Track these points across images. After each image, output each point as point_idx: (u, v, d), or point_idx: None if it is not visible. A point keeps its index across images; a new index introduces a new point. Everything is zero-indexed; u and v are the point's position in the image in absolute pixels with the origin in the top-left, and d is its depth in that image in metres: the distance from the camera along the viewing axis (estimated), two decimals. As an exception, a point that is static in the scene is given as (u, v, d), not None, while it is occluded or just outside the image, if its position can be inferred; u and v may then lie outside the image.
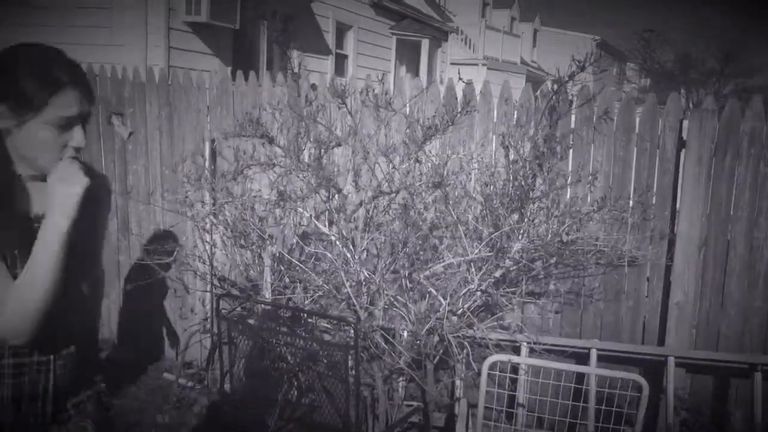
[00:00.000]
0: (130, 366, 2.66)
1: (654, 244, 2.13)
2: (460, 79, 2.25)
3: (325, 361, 1.82)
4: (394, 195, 2.00)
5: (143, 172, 2.88)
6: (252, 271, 2.19)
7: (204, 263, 2.47)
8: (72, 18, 5.19)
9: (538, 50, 19.29)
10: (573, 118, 2.28)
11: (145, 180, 2.89)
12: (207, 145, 2.62)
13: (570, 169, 2.21)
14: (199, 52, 5.70)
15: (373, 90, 2.09)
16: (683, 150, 2.16)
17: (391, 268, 1.89)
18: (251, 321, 1.94)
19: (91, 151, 2.95)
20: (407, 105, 2.33)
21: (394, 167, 1.97)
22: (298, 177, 1.95)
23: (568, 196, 2.17)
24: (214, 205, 2.18)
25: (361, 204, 1.98)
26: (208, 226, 2.38)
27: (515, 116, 2.30)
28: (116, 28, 5.12)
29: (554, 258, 2.03)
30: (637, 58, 20.51)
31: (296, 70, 2.32)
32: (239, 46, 6.49)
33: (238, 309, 1.99)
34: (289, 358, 1.88)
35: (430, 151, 2.08)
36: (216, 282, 2.45)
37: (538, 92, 2.31)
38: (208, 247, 2.44)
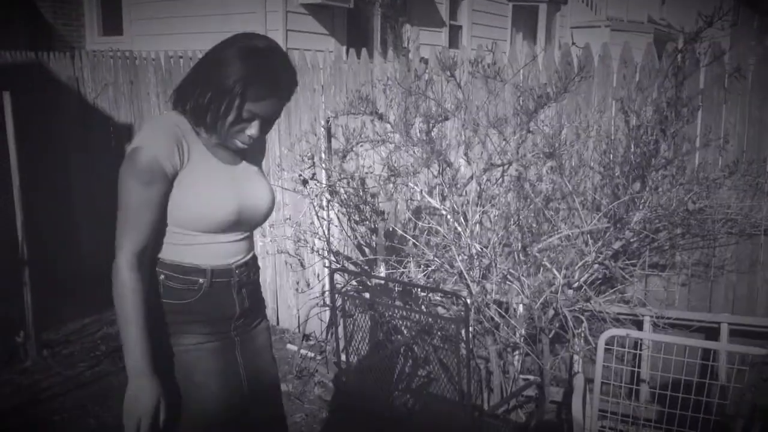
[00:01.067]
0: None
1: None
2: (573, 43, 2.16)
3: (440, 334, 1.84)
4: (507, 166, 1.96)
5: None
6: (366, 247, 2.24)
7: (320, 239, 2.55)
8: (186, 7, 5.47)
9: (668, 6, 18.01)
10: (701, 78, 2.12)
11: (265, 160, 3.04)
12: (321, 123, 2.69)
13: (698, 132, 2.06)
14: (314, 32, 5.83)
15: (483, 60, 2.05)
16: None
17: (504, 242, 1.86)
18: (366, 295, 1.99)
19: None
20: (519, 73, 2.26)
21: (505, 139, 1.93)
22: (408, 152, 1.96)
23: (696, 162, 2.02)
24: (329, 181, 2.24)
25: (472, 177, 1.96)
26: (324, 203, 2.46)
27: (637, 79, 2.17)
28: (233, 14, 5.35)
29: (679, 228, 1.91)
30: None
31: (406, 45, 2.32)
32: (353, 24, 6.58)
33: (353, 283, 2.04)
34: (404, 331, 1.91)
35: (543, 121, 2.02)
36: (332, 257, 2.52)
37: (663, 53, 2.16)
38: (324, 223, 2.52)
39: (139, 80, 3.51)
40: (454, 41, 8.52)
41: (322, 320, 2.77)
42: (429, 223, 1.96)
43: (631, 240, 1.81)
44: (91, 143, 3.72)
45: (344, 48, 4.32)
